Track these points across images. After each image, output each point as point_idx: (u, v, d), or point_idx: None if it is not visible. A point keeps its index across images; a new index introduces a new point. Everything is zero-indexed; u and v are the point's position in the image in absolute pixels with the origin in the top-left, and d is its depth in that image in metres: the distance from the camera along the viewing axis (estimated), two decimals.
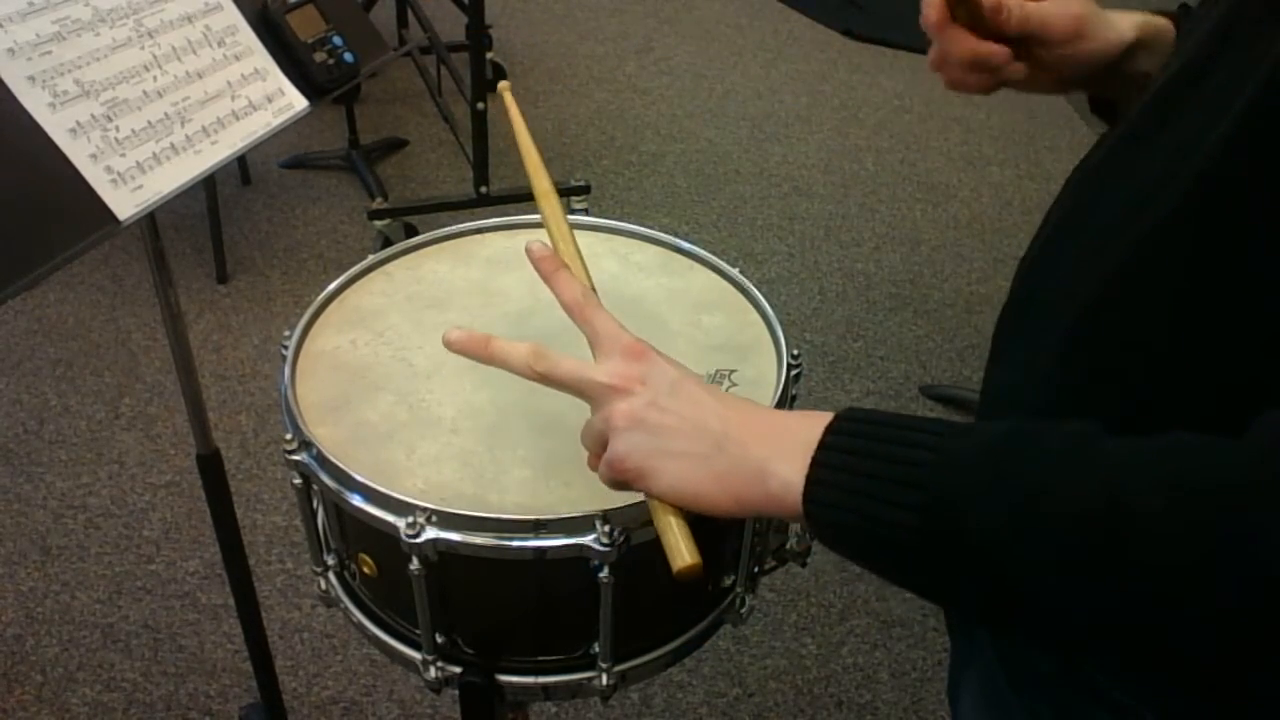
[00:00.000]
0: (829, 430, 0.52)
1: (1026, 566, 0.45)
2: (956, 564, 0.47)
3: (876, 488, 0.49)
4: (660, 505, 0.59)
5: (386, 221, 2.63)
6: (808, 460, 0.51)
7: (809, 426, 0.53)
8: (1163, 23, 0.82)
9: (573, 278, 0.69)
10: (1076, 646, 0.56)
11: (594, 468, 0.63)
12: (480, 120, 2.47)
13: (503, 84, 0.94)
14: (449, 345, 0.67)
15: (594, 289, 0.72)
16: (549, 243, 0.76)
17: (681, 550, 0.58)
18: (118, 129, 0.88)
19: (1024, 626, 0.50)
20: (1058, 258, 0.69)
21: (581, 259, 0.76)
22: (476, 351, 0.66)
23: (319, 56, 1.07)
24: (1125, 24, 0.79)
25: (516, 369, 0.65)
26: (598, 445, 0.62)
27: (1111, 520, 0.43)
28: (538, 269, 0.69)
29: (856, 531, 0.50)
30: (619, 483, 0.61)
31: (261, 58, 1.04)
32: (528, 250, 0.70)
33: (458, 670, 0.82)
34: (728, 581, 0.88)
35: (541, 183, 0.83)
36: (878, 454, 0.50)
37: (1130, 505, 0.43)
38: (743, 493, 0.55)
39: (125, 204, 0.87)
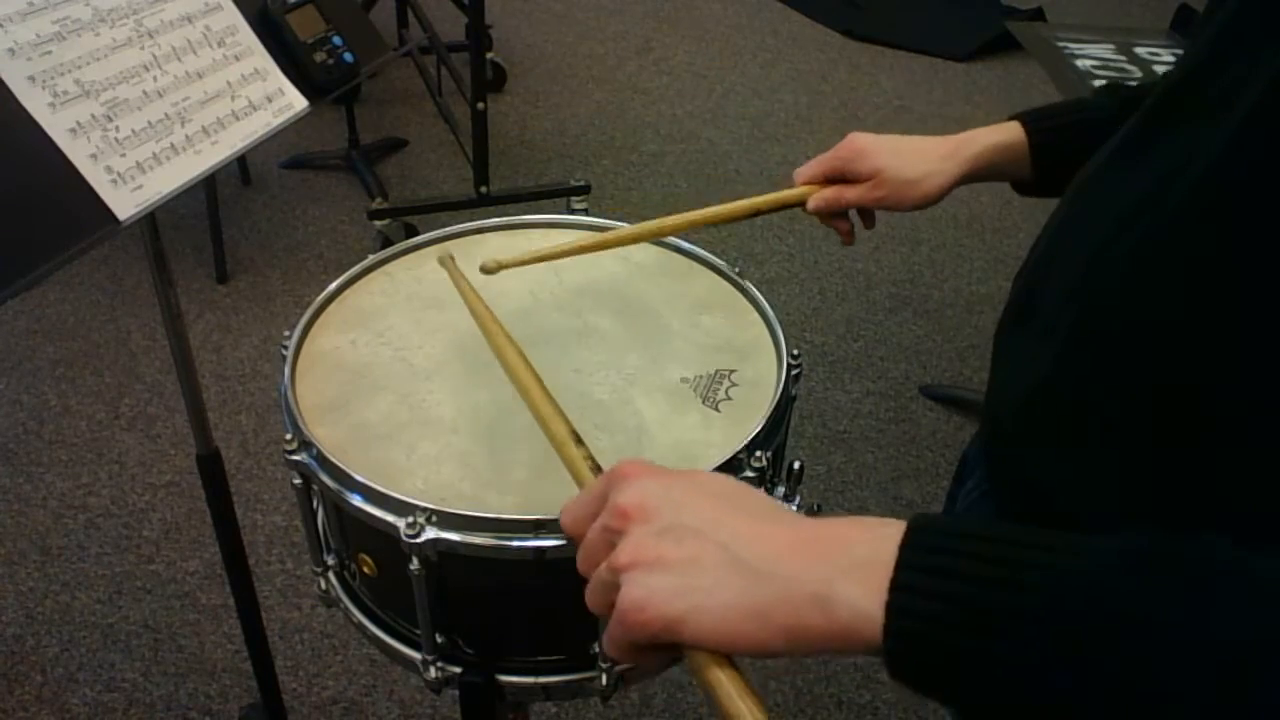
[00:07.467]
0: (907, 545, 0.43)
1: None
2: (1076, 712, 0.40)
3: (979, 621, 0.41)
4: (704, 660, 0.46)
5: (386, 221, 2.63)
6: (882, 583, 0.42)
7: (871, 538, 0.44)
8: (1009, 139, 0.92)
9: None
10: None
11: (610, 647, 0.49)
12: (480, 120, 2.47)
13: (441, 255, 0.91)
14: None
15: (566, 420, 0.64)
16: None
17: (742, 712, 0.44)
18: (118, 129, 0.88)
19: None
20: (1057, 261, 0.69)
21: (553, 401, 0.67)
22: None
23: (319, 56, 1.07)
24: (943, 170, 0.92)
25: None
26: (605, 604, 0.48)
27: None
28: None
29: (952, 671, 0.42)
30: (639, 645, 0.47)
31: (261, 58, 1.04)
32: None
33: (458, 670, 0.82)
34: None
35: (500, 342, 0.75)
36: (976, 577, 0.41)
37: None
38: (796, 626, 0.44)
39: (125, 204, 0.87)
